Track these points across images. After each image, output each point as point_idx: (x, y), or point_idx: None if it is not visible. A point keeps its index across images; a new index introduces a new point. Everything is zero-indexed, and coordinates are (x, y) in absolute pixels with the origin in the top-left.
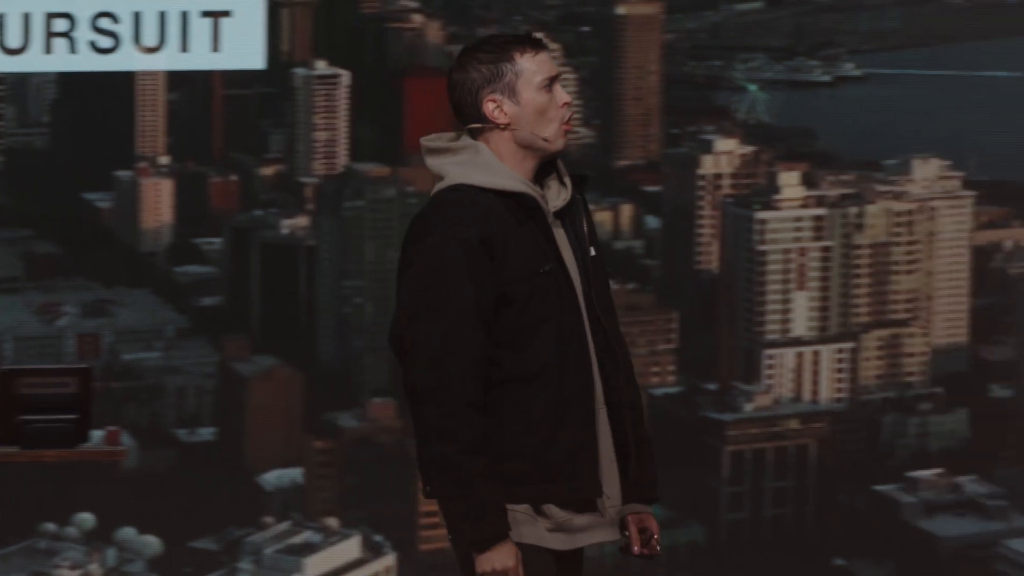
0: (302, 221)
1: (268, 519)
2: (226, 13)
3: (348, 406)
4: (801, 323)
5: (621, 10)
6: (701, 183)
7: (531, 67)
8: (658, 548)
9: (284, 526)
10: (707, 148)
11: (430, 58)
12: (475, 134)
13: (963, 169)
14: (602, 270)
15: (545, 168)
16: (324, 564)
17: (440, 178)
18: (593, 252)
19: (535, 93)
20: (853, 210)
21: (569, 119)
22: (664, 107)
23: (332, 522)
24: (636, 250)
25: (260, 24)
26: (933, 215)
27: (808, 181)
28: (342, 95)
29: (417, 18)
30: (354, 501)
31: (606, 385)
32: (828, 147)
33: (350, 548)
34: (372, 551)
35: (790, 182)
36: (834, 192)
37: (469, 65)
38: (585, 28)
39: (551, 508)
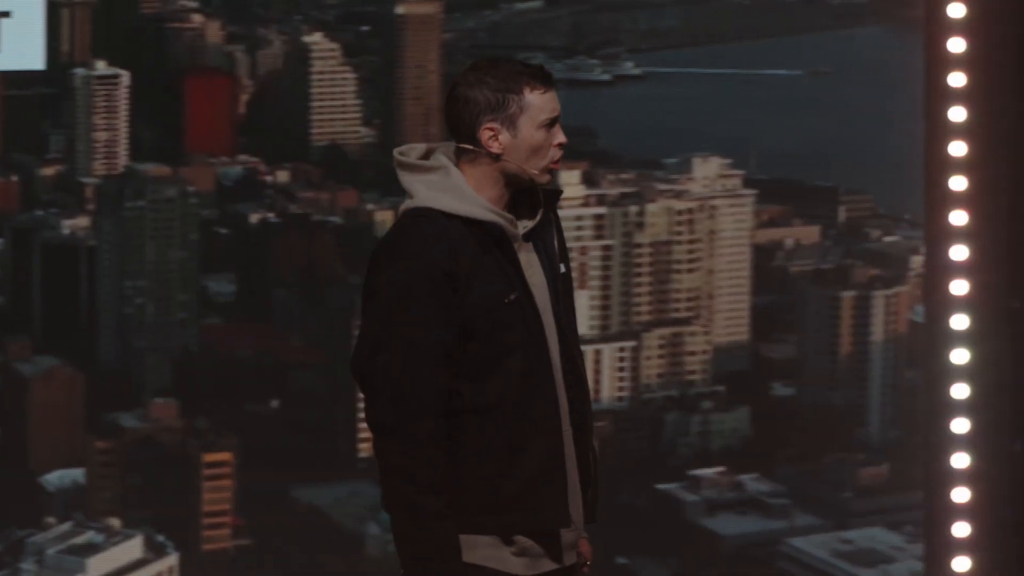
0: (83, 221)
1: (50, 519)
2: (5, 14)
3: (130, 406)
4: (582, 322)
5: (400, 10)
6: None
7: (537, 103)
8: (586, 572)
9: (66, 526)
10: None
11: (210, 58)
12: (462, 152)
13: (744, 167)
14: (569, 288)
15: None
16: (107, 564)
17: (410, 194)
18: (563, 269)
19: (534, 130)
20: (634, 209)
21: (559, 159)
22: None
23: (114, 522)
24: None
25: (39, 24)
26: (714, 213)
27: (588, 180)
28: (122, 95)
29: (197, 18)
30: (136, 501)
31: (571, 406)
32: (608, 146)
33: (133, 548)
34: (155, 551)
35: (570, 181)
36: (614, 191)
37: (476, 86)
38: (365, 27)
39: (516, 535)
